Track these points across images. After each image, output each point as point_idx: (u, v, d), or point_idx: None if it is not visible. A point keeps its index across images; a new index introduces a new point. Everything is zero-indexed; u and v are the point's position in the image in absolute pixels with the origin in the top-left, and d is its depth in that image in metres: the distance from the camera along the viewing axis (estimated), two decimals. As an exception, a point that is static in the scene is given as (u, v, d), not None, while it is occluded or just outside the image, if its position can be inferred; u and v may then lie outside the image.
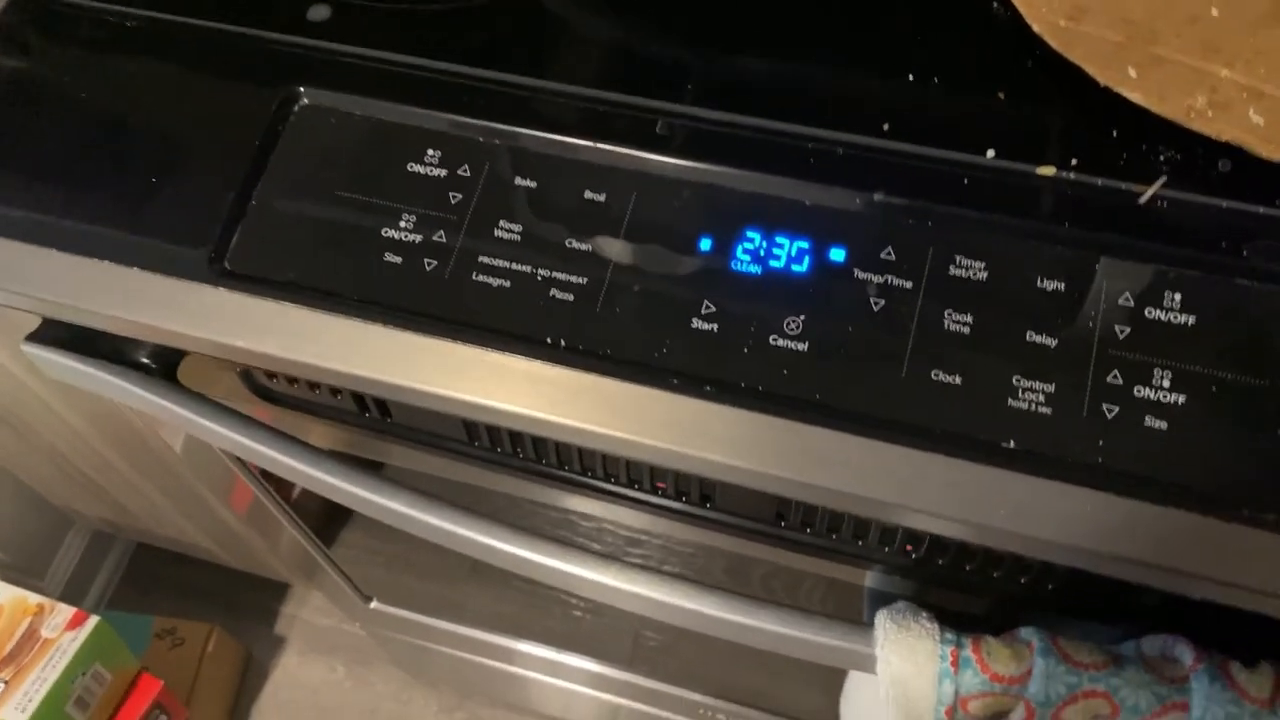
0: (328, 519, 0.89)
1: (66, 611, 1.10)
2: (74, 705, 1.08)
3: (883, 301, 0.46)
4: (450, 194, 0.50)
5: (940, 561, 0.54)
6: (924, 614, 0.51)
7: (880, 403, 0.44)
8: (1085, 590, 0.53)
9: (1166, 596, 0.50)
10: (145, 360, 0.58)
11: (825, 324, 0.46)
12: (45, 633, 1.09)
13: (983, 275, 0.45)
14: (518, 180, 0.50)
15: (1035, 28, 0.50)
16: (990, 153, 0.48)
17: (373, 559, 0.95)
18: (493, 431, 0.58)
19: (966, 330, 0.45)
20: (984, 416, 0.43)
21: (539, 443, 0.58)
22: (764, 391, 0.45)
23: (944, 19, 0.54)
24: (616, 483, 0.59)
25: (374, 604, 1.03)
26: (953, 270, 0.46)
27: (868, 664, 0.51)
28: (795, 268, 0.47)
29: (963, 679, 0.49)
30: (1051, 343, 0.44)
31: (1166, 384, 0.43)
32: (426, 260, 0.49)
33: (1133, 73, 0.48)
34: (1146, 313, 0.44)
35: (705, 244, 0.48)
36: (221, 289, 0.50)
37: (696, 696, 0.96)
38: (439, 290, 0.48)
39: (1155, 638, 0.50)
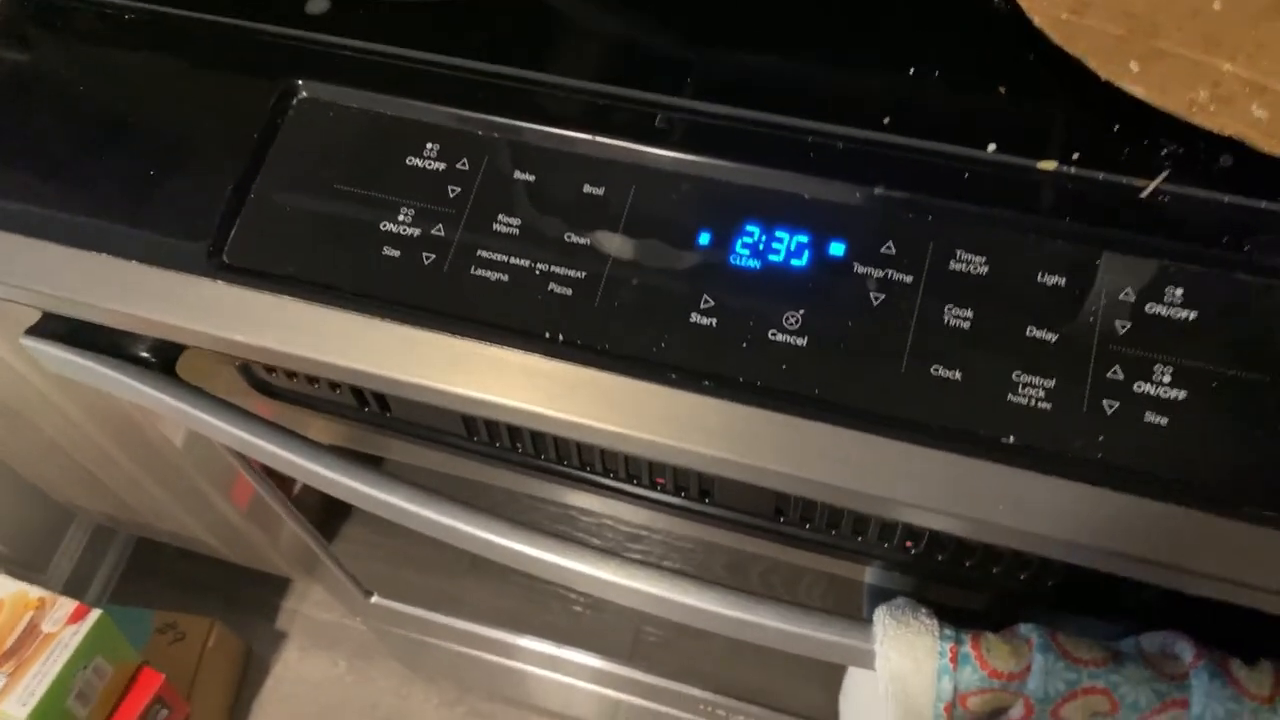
0: (328, 514, 0.89)
1: (68, 605, 1.10)
2: (75, 699, 1.08)
3: (882, 296, 0.45)
4: (449, 188, 0.50)
5: (940, 557, 0.54)
6: (923, 610, 0.51)
7: (880, 398, 0.44)
8: (1085, 586, 0.53)
9: (1166, 593, 0.50)
10: (144, 354, 0.58)
11: (824, 319, 0.45)
12: (47, 627, 1.09)
13: (983, 270, 0.45)
14: (516, 174, 0.50)
15: (1036, 21, 0.50)
16: (991, 147, 0.48)
17: (373, 553, 0.95)
18: (491, 426, 0.58)
19: (967, 325, 0.44)
20: (984, 412, 0.43)
21: (538, 437, 0.58)
22: (763, 386, 0.45)
23: (945, 12, 0.53)
24: (615, 478, 0.58)
25: (374, 598, 1.03)
26: (953, 265, 0.45)
27: (866, 660, 0.51)
28: (794, 262, 0.47)
29: (962, 675, 0.49)
30: (1052, 338, 0.44)
31: (1167, 379, 0.42)
32: (425, 254, 0.49)
33: (1134, 67, 0.48)
34: (1147, 308, 0.44)
35: (704, 238, 0.47)
36: (220, 282, 0.50)
37: (697, 692, 0.96)
38: (437, 284, 0.48)
39: (1155, 634, 0.50)
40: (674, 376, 0.46)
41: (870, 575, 0.59)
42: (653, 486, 0.58)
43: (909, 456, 0.43)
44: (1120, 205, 0.46)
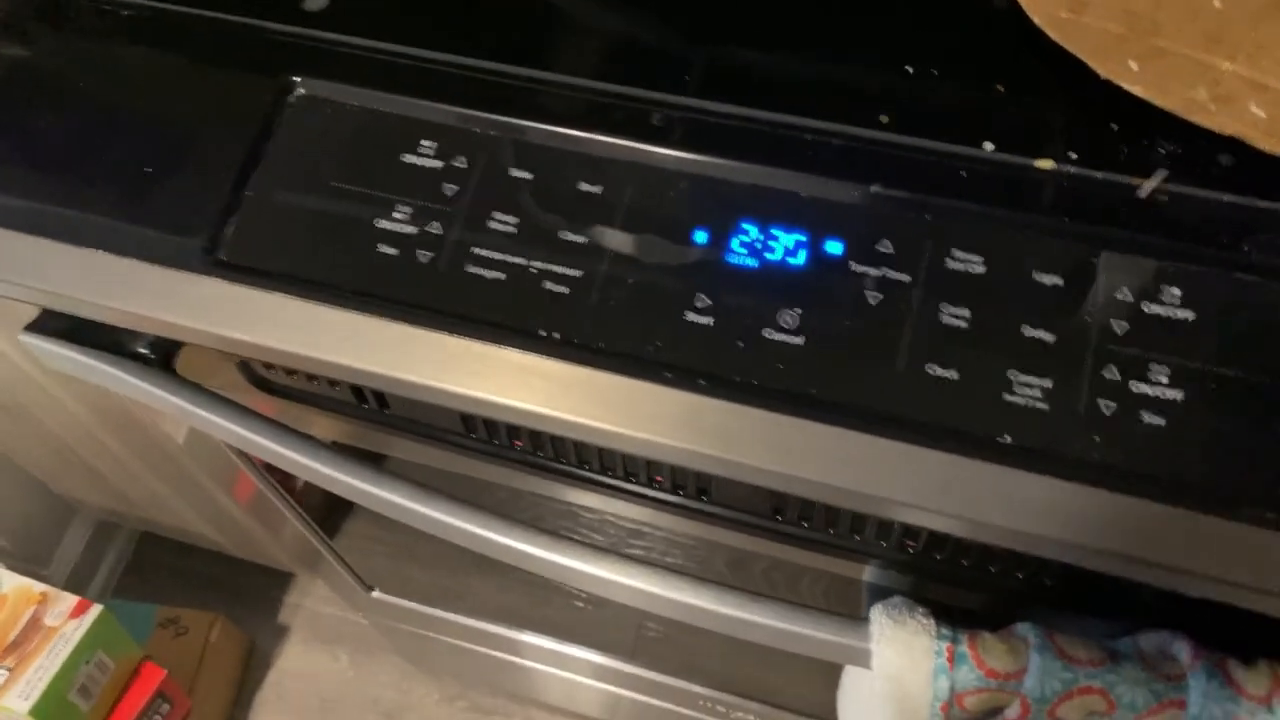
0: (330, 510, 0.89)
1: (70, 600, 1.10)
2: (77, 693, 1.08)
3: (879, 295, 0.45)
4: (445, 185, 0.50)
5: (937, 557, 0.54)
6: (920, 609, 0.51)
7: (876, 397, 0.44)
8: (1082, 586, 0.53)
9: (1164, 593, 0.50)
10: (143, 351, 0.58)
11: (821, 317, 0.45)
12: (49, 621, 1.09)
13: (980, 269, 0.45)
14: (513, 172, 0.50)
15: (1036, 19, 0.50)
16: (989, 145, 0.48)
17: (375, 549, 0.95)
18: (489, 424, 0.58)
19: (963, 324, 0.44)
20: (980, 411, 0.43)
21: (535, 435, 0.57)
22: (758, 386, 0.45)
23: (943, 10, 0.53)
24: (613, 475, 0.58)
25: (376, 593, 1.03)
26: (950, 264, 0.45)
27: (863, 659, 0.51)
28: (791, 260, 0.46)
29: (958, 675, 0.49)
30: (1049, 338, 0.44)
31: (1165, 380, 0.42)
32: (421, 252, 0.49)
33: (1134, 65, 0.48)
34: (1145, 308, 0.43)
35: (701, 236, 0.47)
36: (216, 280, 0.50)
37: (698, 689, 0.96)
38: (433, 282, 0.48)
39: (1152, 634, 0.50)
40: (669, 375, 0.45)
41: (869, 574, 0.59)
42: (651, 484, 0.58)
43: (905, 456, 0.43)
44: (1118, 204, 0.46)
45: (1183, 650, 0.48)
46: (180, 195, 0.51)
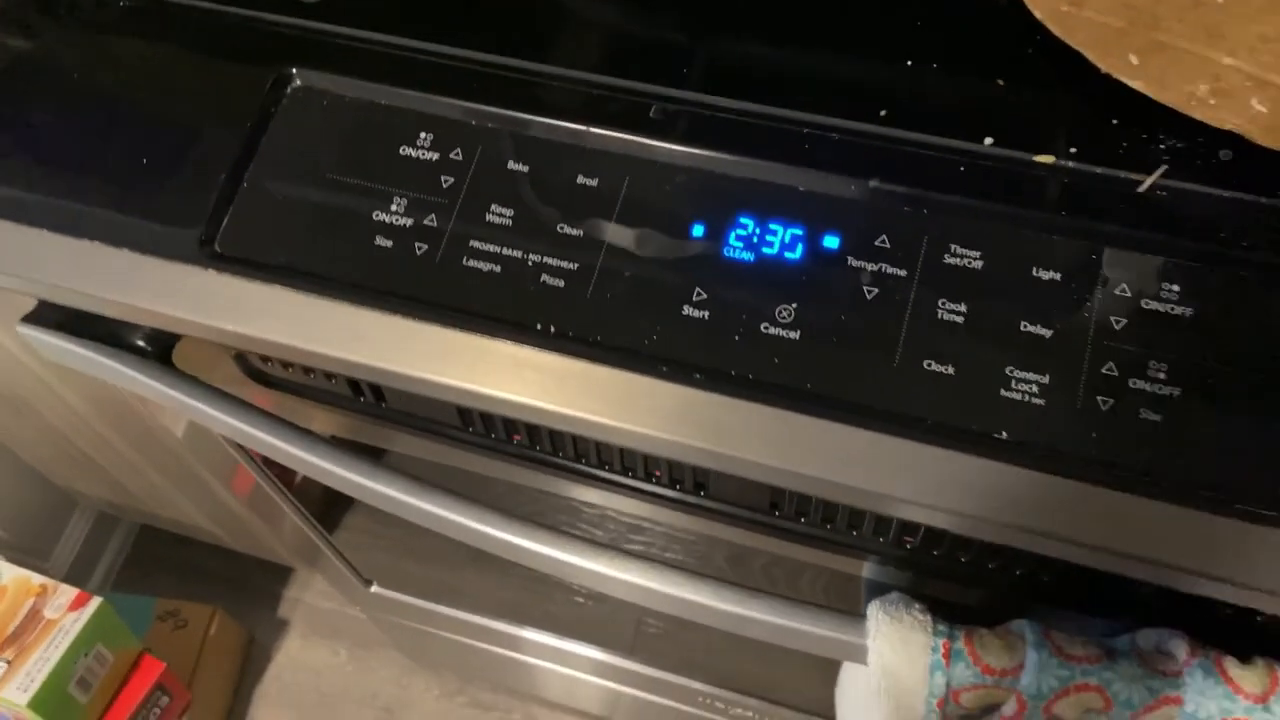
0: (329, 504, 0.89)
1: (69, 592, 1.11)
2: (76, 686, 1.09)
3: (876, 290, 0.45)
4: (442, 178, 0.49)
5: (935, 553, 0.54)
6: (917, 605, 0.51)
7: (872, 392, 0.44)
8: (1080, 584, 0.52)
9: (1161, 591, 0.50)
10: (140, 343, 0.58)
11: (818, 312, 0.45)
12: (48, 613, 1.09)
13: (978, 264, 0.45)
14: (510, 164, 0.49)
15: (1036, 13, 0.50)
16: (988, 140, 0.48)
17: (373, 544, 0.95)
18: (486, 418, 0.58)
19: (960, 320, 0.44)
20: (977, 407, 0.43)
21: (533, 430, 0.57)
22: (754, 379, 0.45)
23: (943, 4, 0.53)
24: (610, 470, 0.58)
25: (374, 588, 1.03)
26: (948, 259, 0.45)
27: (860, 655, 0.50)
28: (788, 255, 0.46)
29: (954, 671, 0.49)
30: (1046, 333, 0.43)
31: (1162, 376, 0.42)
32: (417, 244, 0.48)
33: (1134, 59, 0.47)
34: (1143, 303, 0.43)
35: (698, 230, 0.47)
36: (211, 271, 0.50)
37: (697, 685, 0.96)
38: (429, 275, 0.48)
39: (1149, 631, 0.49)
40: (665, 369, 0.45)
41: (868, 571, 0.59)
42: (649, 479, 0.58)
43: (901, 451, 0.43)
44: (1118, 199, 0.46)
45: (1179, 647, 0.47)
46: (176, 186, 0.51)
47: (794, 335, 0.45)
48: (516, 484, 0.65)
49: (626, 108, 0.50)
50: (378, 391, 0.59)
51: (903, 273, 0.45)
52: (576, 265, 0.47)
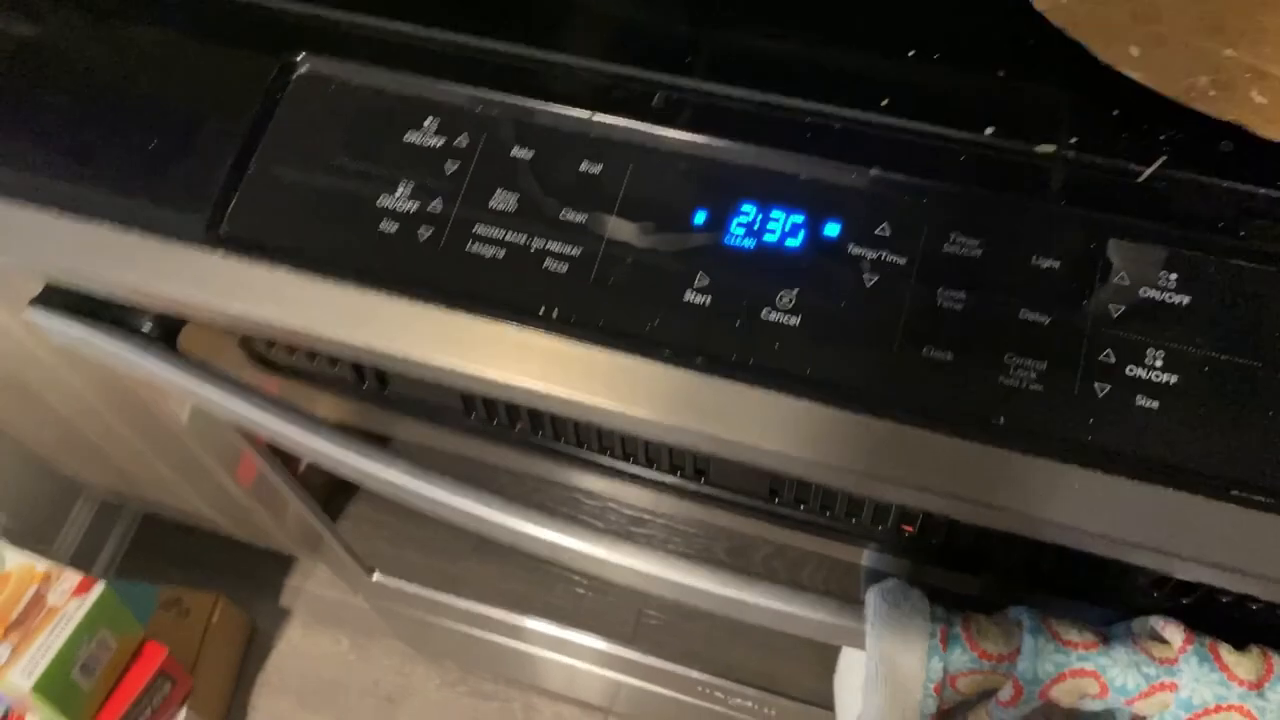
0: (332, 492, 0.89)
1: (74, 577, 1.11)
2: (80, 671, 1.09)
3: (876, 277, 0.45)
4: (447, 163, 0.50)
5: (933, 540, 0.54)
6: (915, 592, 0.51)
7: (871, 378, 0.44)
8: (1078, 571, 0.53)
9: (1158, 579, 0.50)
10: (147, 328, 0.58)
11: (818, 298, 0.46)
12: (52, 599, 1.10)
13: (978, 252, 0.45)
14: (514, 151, 0.50)
15: (1037, 5, 0.50)
16: (989, 130, 0.48)
17: (377, 532, 0.96)
18: (489, 403, 0.58)
19: (959, 307, 0.44)
20: (975, 393, 0.43)
21: (535, 415, 0.58)
22: (754, 365, 0.45)
23: (946, -5, 0.53)
24: (612, 456, 0.59)
25: (377, 576, 1.04)
26: (947, 247, 0.45)
27: (857, 640, 0.51)
28: (789, 242, 0.47)
29: (951, 656, 0.49)
30: (1045, 320, 0.44)
31: (1159, 363, 0.42)
32: (422, 229, 0.49)
33: (1135, 51, 0.48)
34: (1142, 292, 0.44)
35: (700, 217, 0.48)
36: (218, 254, 0.50)
37: (696, 674, 0.97)
38: (433, 259, 0.48)
39: (1145, 619, 0.50)
40: (667, 354, 0.46)
41: (867, 559, 0.59)
42: (649, 465, 0.59)
43: (899, 436, 0.43)
44: (1118, 190, 0.46)
45: (1175, 634, 0.48)
46: (185, 170, 0.52)
47: (794, 321, 0.45)
48: (518, 474, 0.65)
49: (630, 95, 0.50)
50: (380, 377, 0.60)
51: (903, 260, 0.45)
52: (579, 251, 0.48)
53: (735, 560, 0.68)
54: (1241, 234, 0.44)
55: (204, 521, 1.23)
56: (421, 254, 0.49)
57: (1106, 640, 0.49)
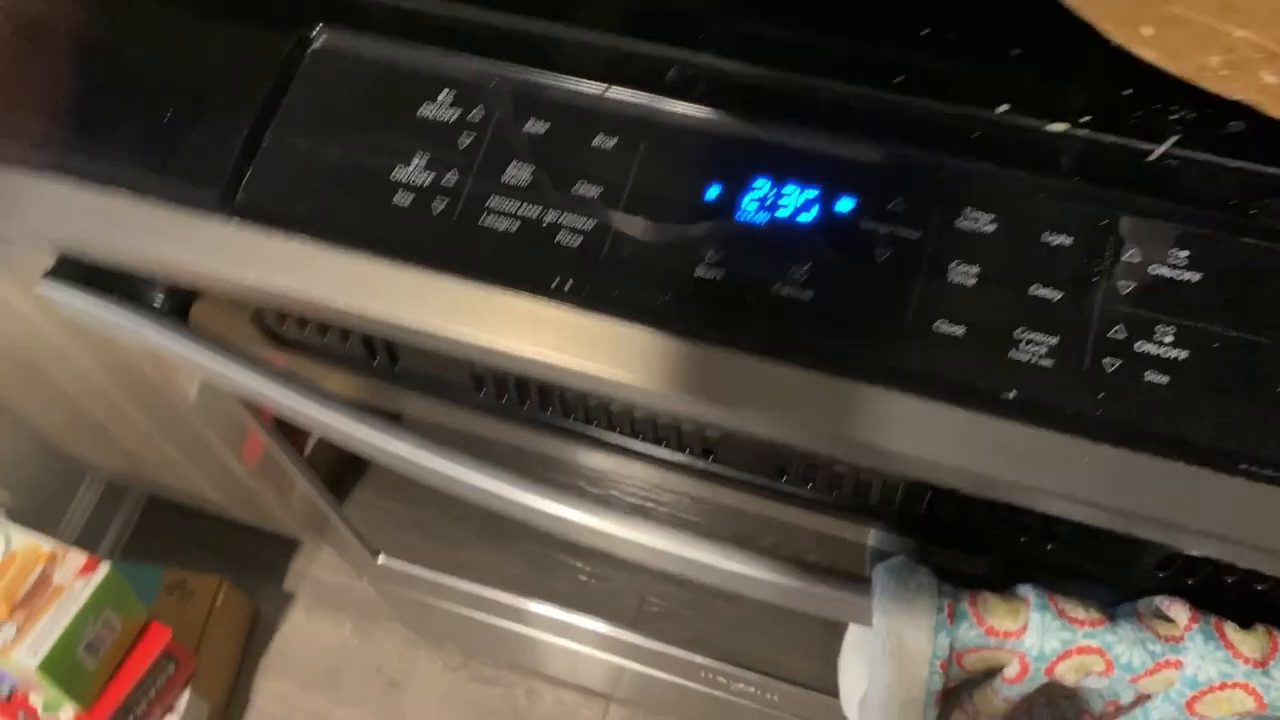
0: (339, 473, 0.90)
1: (79, 558, 1.12)
2: (85, 651, 1.10)
3: (889, 252, 0.46)
4: (462, 136, 0.50)
5: (940, 516, 0.54)
6: (922, 569, 0.52)
7: (883, 351, 0.44)
8: (1085, 551, 0.53)
9: (1163, 559, 0.50)
10: (159, 302, 0.58)
11: (830, 273, 0.46)
12: (58, 579, 1.10)
13: (990, 228, 0.45)
14: (528, 125, 0.50)
15: (1051, -15, 0.50)
16: (1003, 107, 0.48)
17: (383, 515, 0.96)
18: (499, 380, 0.58)
19: (971, 282, 0.45)
20: (985, 367, 0.43)
21: (545, 391, 0.58)
22: (767, 339, 0.45)
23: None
24: (621, 433, 0.59)
25: (381, 559, 1.04)
26: (960, 223, 0.46)
27: (864, 616, 0.51)
28: (802, 217, 0.47)
29: (958, 632, 0.49)
30: (1056, 296, 0.44)
31: (1169, 339, 0.43)
32: (436, 201, 0.49)
33: (1147, 31, 0.48)
34: (1151, 269, 0.44)
35: (713, 192, 0.48)
36: (233, 224, 0.50)
37: (699, 659, 0.97)
38: (447, 232, 0.49)
39: (1151, 598, 0.50)
40: (679, 328, 0.46)
41: (873, 539, 0.60)
42: (658, 442, 0.59)
43: (910, 409, 0.44)
44: (1128, 167, 0.46)
45: (1180, 612, 0.48)
46: (201, 141, 0.52)
47: (807, 295, 0.46)
48: (525, 452, 0.66)
49: (645, 70, 0.51)
50: (392, 352, 0.60)
51: (915, 235, 0.46)
52: (593, 224, 0.48)
53: (742, 543, 0.68)
54: (1252, 212, 0.44)
55: (209, 504, 1.23)
56: (435, 226, 0.49)
57: (1113, 618, 0.49)
